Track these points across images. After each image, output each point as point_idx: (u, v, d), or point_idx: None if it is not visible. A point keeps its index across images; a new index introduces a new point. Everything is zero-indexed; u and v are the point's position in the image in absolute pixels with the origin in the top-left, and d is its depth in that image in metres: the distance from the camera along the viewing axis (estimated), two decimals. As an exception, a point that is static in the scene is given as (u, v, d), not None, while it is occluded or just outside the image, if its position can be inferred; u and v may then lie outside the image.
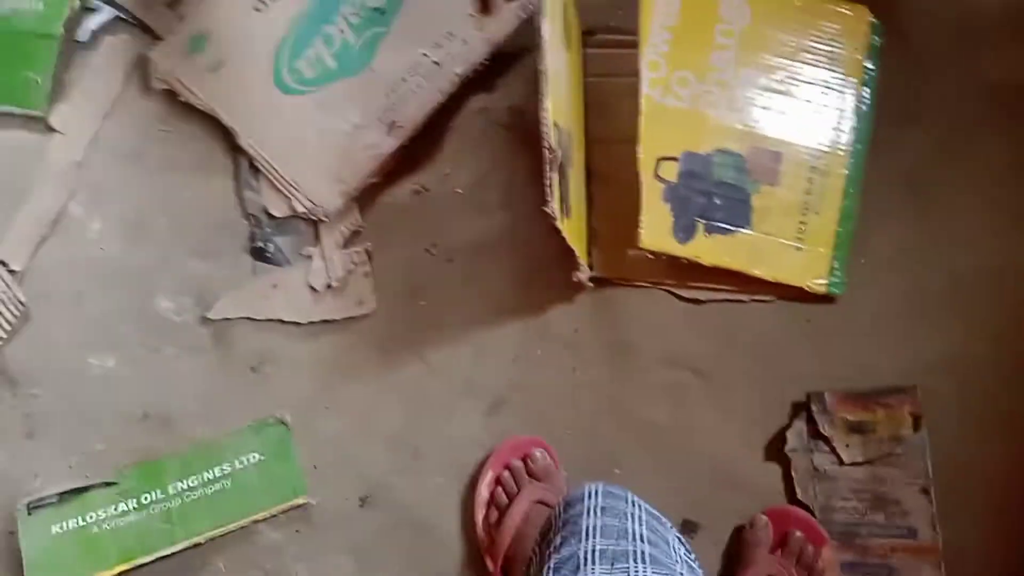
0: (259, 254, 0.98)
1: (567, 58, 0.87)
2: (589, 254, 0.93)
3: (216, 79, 0.97)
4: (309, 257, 0.97)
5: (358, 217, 0.97)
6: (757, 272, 0.91)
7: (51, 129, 1.01)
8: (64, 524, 0.89)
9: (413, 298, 0.96)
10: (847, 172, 0.92)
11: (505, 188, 0.97)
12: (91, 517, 0.90)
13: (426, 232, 0.97)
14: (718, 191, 0.91)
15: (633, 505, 0.63)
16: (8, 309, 0.95)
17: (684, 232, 0.90)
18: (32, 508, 0.89)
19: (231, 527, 0.90)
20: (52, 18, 1.03)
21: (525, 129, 0.97)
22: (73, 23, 1.03)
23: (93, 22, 1.05)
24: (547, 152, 0.74)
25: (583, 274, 0.89)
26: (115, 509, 0.90)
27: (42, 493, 0.90)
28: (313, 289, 0.96)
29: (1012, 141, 0.93)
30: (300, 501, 0.91)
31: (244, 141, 0.96)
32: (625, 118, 0.89)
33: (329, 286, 0.96)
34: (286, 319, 0.96)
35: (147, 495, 0.91)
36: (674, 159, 0.91)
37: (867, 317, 0.92)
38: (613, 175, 0.95)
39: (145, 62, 1.00)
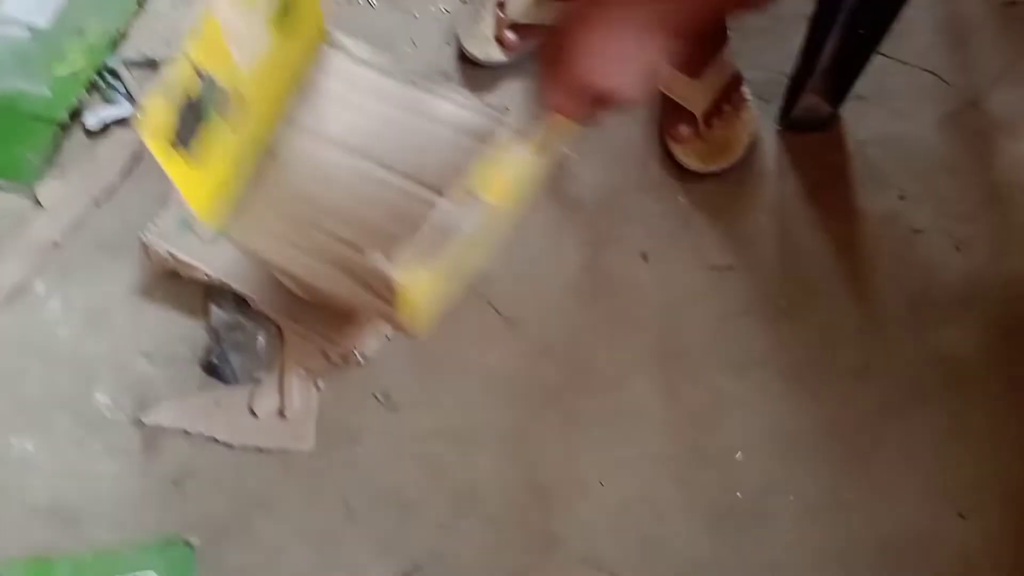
0: (211, 368, 0.97)
1: (271, 36, 0.87)
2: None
3: (216, 251, 0.96)
4: (259, 380, 0.97)
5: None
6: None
7: (38, 203, 1.03)
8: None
9: (351, 442, 0.95)
10: None
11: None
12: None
13: (379, 379, 0.98)
14: None
15: None
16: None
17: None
18: None
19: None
20: (57, 106, 1.07)
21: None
22: (82, 110, 1.08)
23: (108, 113, 1.09)
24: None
25: None
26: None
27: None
28: (254, 414, 0.96)
29: (950, 412, 0.97)
30: (186, 633, 0.87)
31: (261, 306, 0.97)
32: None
33: (281, 414, 0.95)
34: (219, 438, 0.95)
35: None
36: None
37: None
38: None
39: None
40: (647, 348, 0.99)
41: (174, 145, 0.78)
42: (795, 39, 0.98)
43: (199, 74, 0.78)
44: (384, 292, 0.82)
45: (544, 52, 0.74)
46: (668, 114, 1.06)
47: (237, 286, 0.97)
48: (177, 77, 0.76)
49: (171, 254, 0.97)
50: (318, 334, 0.97)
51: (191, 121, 0.80)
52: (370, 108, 0.97)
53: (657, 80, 0.76)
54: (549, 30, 0.73)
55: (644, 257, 1.03)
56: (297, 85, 0.98)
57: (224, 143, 0.87)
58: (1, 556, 0.88)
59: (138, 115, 0.75)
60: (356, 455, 0.95)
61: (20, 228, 1.02)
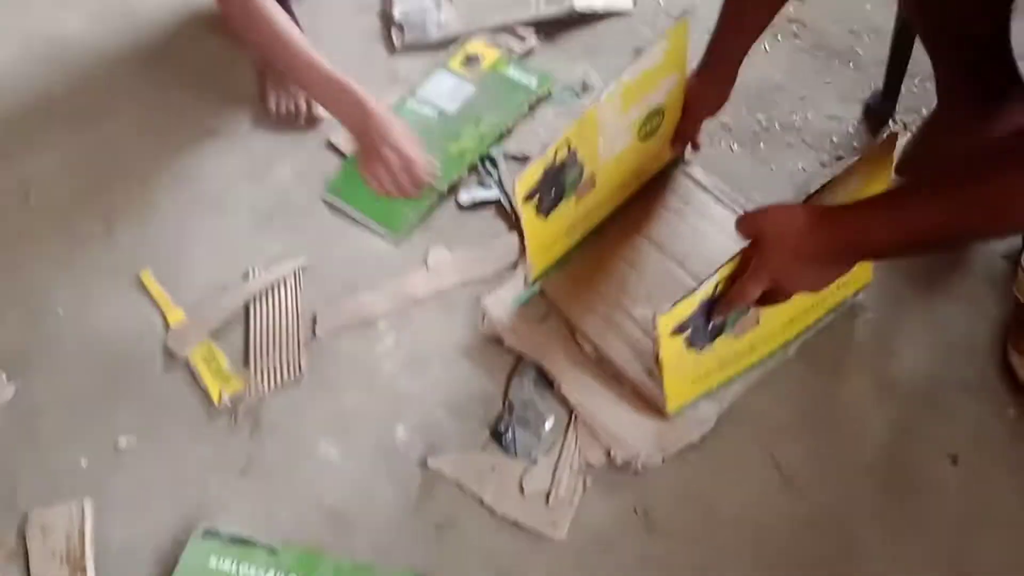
0: (497, 436, 1.05)
1: (632, 140, 1.06)
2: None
3: (541, 331, 1.09)
4: (535, 461, 1.02)
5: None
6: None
7: (424, 264, 1.19)
8: (221, 562, 0.97)
9: (599, 547, 0.97)
10: None
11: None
12: (244, 569, 0.97)
13: (646, 495, 0.99)
14: None
15: None
16: (292, 368, 1.11)
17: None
18: (206, 534, 0.99)
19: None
20: (444, 178, 1.24)
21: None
22: (459, 187, 1.24)
23: (480, 194, 1.24)
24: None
25: None
26: (263, 574, 0.97)
27: (219, 527, 0.99)
28: (522, 490, 1.01)
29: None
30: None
31: (562, 390, 1.05)
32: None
33: (546, 498, 1.00)
34: (485, 501, 1.01)
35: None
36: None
37: None
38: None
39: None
40: (929, 557, 0.92)
41: (534, 204, 0.99)
42: None
43: (569, 149, 0.97)
44: (651, 361, 0.98)
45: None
46: (1018, 324, 0.99)
47: (549, 368, 1.05)
48: (554, 148, 0.94)
49: (502, 323, 1.09)
50: (609, 433, 1.01)
51: (552, 186, 0.99)
52: (692, 221, 1.13)
53: None
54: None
55: (953, 460, 0.96)
56: (637, 184, 1.15)
57: (568, 213, 1.05)
58: (284, 537, 0.99)
59: (516, 181, 0.95)
60: (601, 561, 0.97)
61: (390, 271, 1.18)
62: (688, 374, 0.98)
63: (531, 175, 0.96)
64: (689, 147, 1.17)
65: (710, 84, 1.08)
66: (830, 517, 0.96)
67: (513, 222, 1.20)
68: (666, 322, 0.89)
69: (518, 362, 1.08)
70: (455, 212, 1.24)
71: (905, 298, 1.08)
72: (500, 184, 1.25)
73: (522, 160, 1.26)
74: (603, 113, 0.99)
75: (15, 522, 1.04)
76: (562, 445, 1.03)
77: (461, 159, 1.27)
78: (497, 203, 1.23)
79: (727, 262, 0.87)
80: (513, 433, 1.04)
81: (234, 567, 0.97)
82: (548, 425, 1.05)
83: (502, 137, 1.29)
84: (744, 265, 0.86)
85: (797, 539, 0.95)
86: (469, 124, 1.30)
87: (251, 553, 0.98)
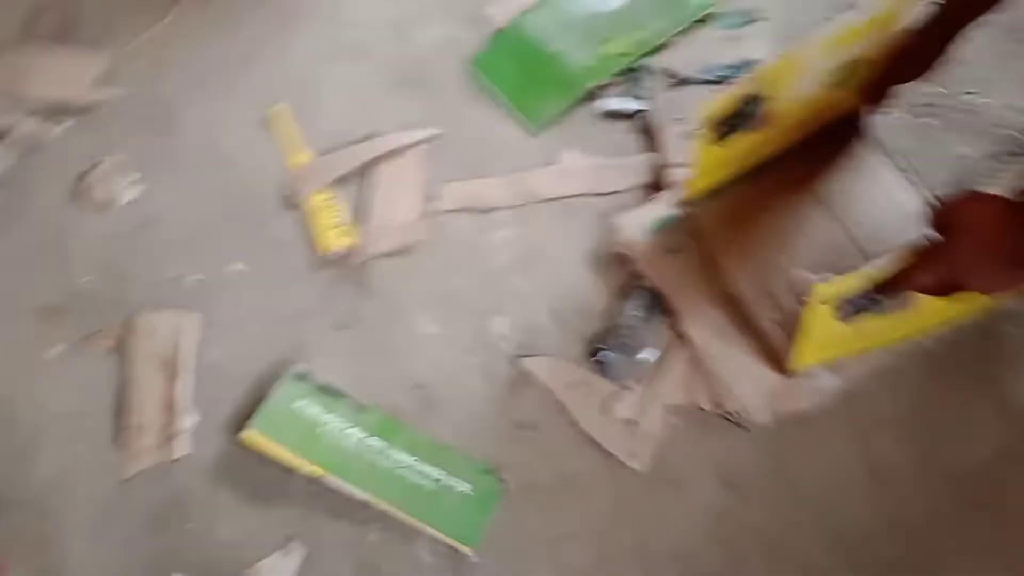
0: (594, 353, 1.04)
1: (819, 83, 1.01)
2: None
3: (671, 261, 1.07)
4: (628, 388, 1.02)
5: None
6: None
7: (555, 163, 1.16)
8: (308, 406, 1.00)
9: (672, 489, 0.98)
10: None
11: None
12: (328, 418, 1.00)
13: (730, 453, 0.99)
14: None
15: None
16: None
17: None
18: (298, 376, 1.01)
19: (404, 518, 0.96)
20: (590, 77, 1.20)
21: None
22: (600, 91, 1.19)
23: (621, 103, 1.20)
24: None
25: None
26: (346, 426, 0.99)
27: (314, 374, 1.01)
28: (608, 411, 1.01)
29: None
30: (465, 549, 0.95)
31: (684, 325, 1.04)
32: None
33: (631, 425, 1.00)
34: (571, 412, 1.02)
35: (374, 439, 0.99)
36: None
37: None
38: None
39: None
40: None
41: (715, 131, 0.96)
42: None
43: (761, 86, 0.94)
44: (791, 317, 0.98)
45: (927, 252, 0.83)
46: None
47: (673, 300, 1.04)
48: (749, 83, 0.92)
49: (633, 243, 1.07)
50: (723, 380, 1.01)
51: (733, 118, 0.97)
52: (865, 182, 1.09)
53: None
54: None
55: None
56: (813, 129, 1.10)
57: (739, 145, 1.02)
58: (373, 399, 1.02)
59: (704, 102, 0.93)
60: (670, 502, 0.98)
61: (519, 161, 1.16)
62: (822, 339, 0.97)
63: (721, 104, 0.94)
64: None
65: (921, 49, 1.01)
66: (913, 523, 0.95)
67: (650, 142, 1.16)
68: (824, 292, 0.87)
69: (632, 284, 1.07)
70: (592, 117, 1.20)
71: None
72: (643, 97, 1.20)
73: (671, 77, 1.21)
74: (805, 57, 0.95)
75: (122, 319, 1.07)
76: (658, 378, 1.03)
77: (611, 62, 1.22)
78: (636, 116, 1.19)
79: (906, 247, 0.84)
80: (611, 354, 1.04)
81: (320, 413, 1.00)
82: (649, 355, 1.04)
83: (657, 49, 1.23)
84: (925, 253, 0.82)
85: (874, 536, 0.95)
86: (626, 28, 1.24)
87: (338, 404, 1.00)
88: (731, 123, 0.98)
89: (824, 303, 0.91)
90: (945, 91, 1.19)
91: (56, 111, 1.21)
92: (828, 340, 0.98)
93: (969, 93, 1.20)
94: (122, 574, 0.95)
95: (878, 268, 0.86)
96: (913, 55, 1.02)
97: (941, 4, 0.97)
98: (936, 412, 0.99)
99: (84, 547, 0.97)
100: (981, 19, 0.96)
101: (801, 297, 0.90)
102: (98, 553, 0.96)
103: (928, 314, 0.98)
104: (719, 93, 0.93)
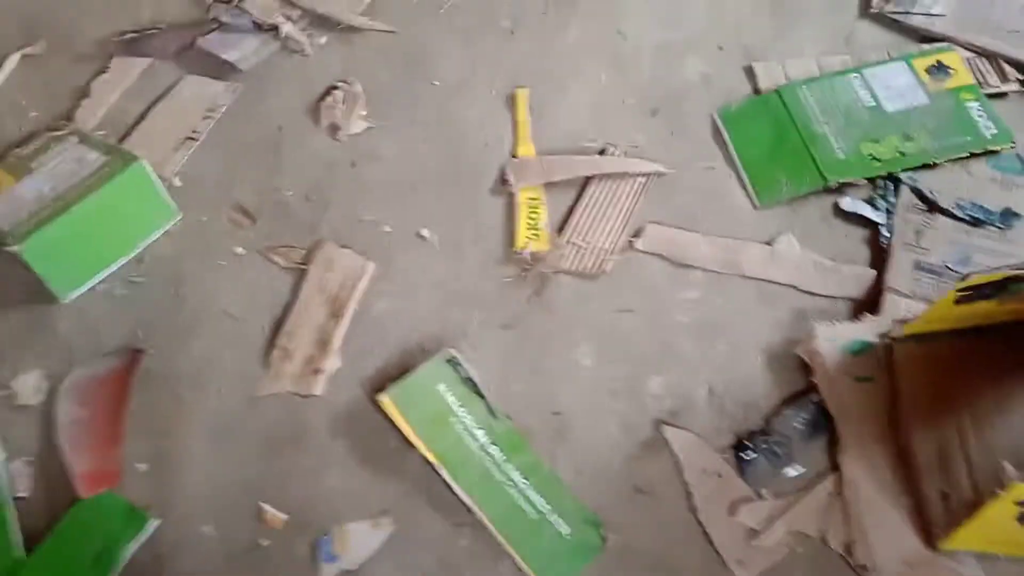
0: (738, 447, 0.99)
1: None
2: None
3: (853, 388, 1.00)
4: (760, 496, 0.97)
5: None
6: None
7: (769, 243, 1.11)
8: (449, 392, 1.00)
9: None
10: None
11: None
12: (461, 412, 0.99)
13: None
14: None
15: None
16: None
17: None
18: (449, 360, 1.01)
19: (498, 536, 0.95)
20: (840, 171, 1.14)
21: None
22: (844, 188, 1.13)
23: (862, 209, 1.13)
24: None
25: None
26: (474, 426, 0.99)
27: (463, 363, 1.01)
28: (733, 512, 0.97)
29: None
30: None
31: (842, 456, 0.97)
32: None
33: (750, 530, 0.95)
34: (693, 498, 0.97)
35: (496, 448, 0.98)
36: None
37: None
38: None
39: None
40: None
41: (966, 292, 0.91)
42: None
43: None
44: (962, 495, 0.90)
45: None
46: None
47: (842, 429, 0.98)
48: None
49: (822, 356, 1.01)
50: (862, 526, 0.94)
51: (990, 289, 0.91)
52: None
53: None
54: None
55: None
56: None
57: (980, 310, 0.95)
58: (508, 409, 1.01)
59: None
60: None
61: (734, 229, 1.12)
62: (990, 533, 0.88)
63: (991, 276, 0.89)
64: None
65: None
66: None
67: (877, 258, 1.09)
68: (1020, 493, 0.80)
69: (804, 396, 1.01)
70: (824, 211, 1.14)
71: None
72: (888, 211, 1.13)
73: (924, 201, 1.12)
74: None
75: (308, 243, 1.10)
76: (797, 498, 0.97)
77: (867, 164, 1.15)
78: (873, 227, 1.12)
79: None
80: (758, 456, 0.99)
81: (455, 404, 1.00)
82: (792, 471, 0.99)
83: (921, 167, 1.15)
84: None
85: None
86: (897, 134, 1.16)
87: (474, 402, 1.00)
88: (985, 292, 0.90)
89: (1017, 504, 0.83)
90: None
91: (319, 24, 1.25)
92: (996, 536, 0.89)
93: None
94: (223, 482, 0.98)
95: None
96: None
97: None
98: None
99: (199, 446, 1.00)
100: None
101: (994, 488, 0.82)
102: (209, 456, 0.99)
103: None
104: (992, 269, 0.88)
